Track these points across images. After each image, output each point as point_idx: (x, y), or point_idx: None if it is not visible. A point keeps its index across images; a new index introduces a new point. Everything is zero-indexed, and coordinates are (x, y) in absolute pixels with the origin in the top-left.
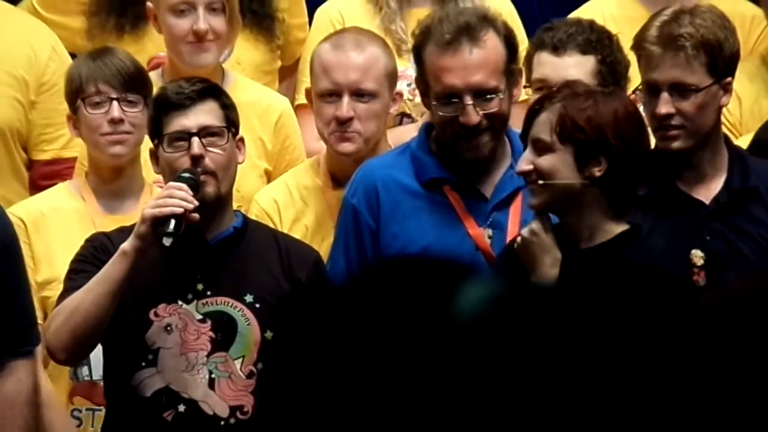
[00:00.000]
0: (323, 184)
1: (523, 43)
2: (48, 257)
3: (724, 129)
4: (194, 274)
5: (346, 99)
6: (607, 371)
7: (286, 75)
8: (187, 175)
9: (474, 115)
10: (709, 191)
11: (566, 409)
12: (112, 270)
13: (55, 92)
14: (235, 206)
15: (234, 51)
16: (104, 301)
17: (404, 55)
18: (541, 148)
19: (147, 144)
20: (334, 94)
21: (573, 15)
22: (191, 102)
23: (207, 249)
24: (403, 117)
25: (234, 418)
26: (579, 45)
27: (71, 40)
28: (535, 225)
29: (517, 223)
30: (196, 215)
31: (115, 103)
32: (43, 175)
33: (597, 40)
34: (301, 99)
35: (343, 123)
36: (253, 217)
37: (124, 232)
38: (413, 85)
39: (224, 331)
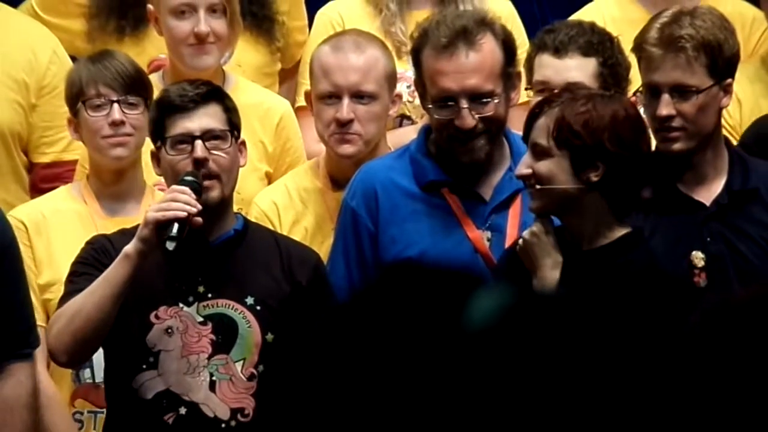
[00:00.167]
0: (323, 186)
1: (524, 45)
2: (49, 260)
3: (724, 131)
4: (195, 276)
5: (346, 101)
6: (615, 377)
7: (287, 77)
8: (190, 178)
9: (469, 119)
10: (709, 193)
11: (575, 416)
12: (114, 273)
13: (55, 95)
14: (235, 209)
15: (234, 53)
16: (106, 304)
17: (404, 58)
18: (540, 152)
19: (148, 146)
20: (333, 96)
21: (573, 17)
22: (195, 105)
23: (208, 251)
24: (403, 119)
25: (235, 420)
26: (580, 47)
27: (71, 42)
28: (536, 227)
29: (516, 226)
30: (199, 219)
31: (115, 105)
32: (43, 178)
33: (598, 42)
34: (302, 101)
35: (343, 125)
36: (253, 219)
37: (125, 234)
38: (413, 87)
39: (225, 334)
